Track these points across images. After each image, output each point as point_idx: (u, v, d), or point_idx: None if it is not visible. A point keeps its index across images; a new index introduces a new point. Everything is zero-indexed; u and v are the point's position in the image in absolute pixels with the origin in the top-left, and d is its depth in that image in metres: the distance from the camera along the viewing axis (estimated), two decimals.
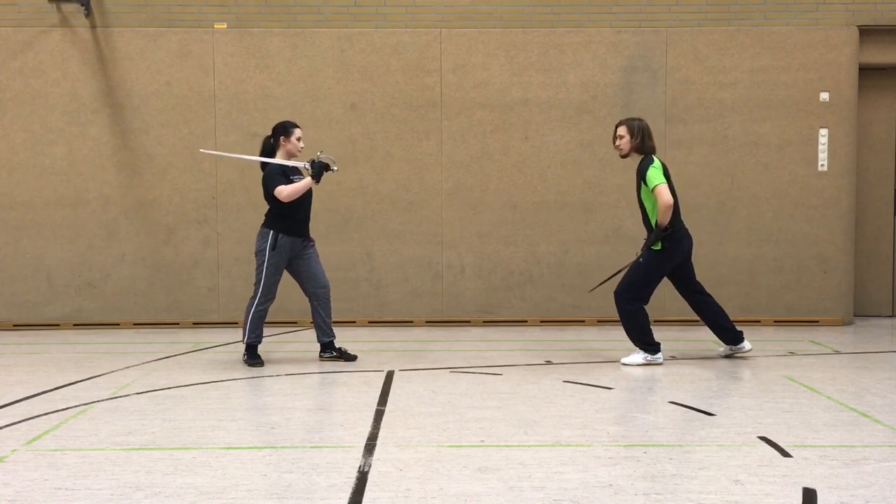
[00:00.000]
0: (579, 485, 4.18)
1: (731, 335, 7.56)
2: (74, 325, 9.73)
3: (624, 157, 7.37)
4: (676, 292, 9.24)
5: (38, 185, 9.68)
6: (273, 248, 7.24)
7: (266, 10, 9.71)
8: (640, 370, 7.13)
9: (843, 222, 9.78)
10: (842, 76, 9.69)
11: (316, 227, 9.73)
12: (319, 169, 7.19)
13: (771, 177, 9.75)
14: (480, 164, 9.76)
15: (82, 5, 9.49)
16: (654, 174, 7.06)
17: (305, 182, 7.23)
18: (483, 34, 9.71)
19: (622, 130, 7.29)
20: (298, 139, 7.34)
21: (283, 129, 7.33)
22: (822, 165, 9.73)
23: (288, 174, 7.28)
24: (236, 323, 9.72)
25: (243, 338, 7.38)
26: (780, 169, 9.74)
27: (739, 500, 3.97)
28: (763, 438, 4.97)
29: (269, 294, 7.34)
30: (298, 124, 7.50)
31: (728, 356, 7.64)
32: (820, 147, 9.72)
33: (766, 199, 9.76)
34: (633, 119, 7.37)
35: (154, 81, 9.67)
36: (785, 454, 4.67)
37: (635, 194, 7.36)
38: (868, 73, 9.90)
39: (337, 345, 7.64)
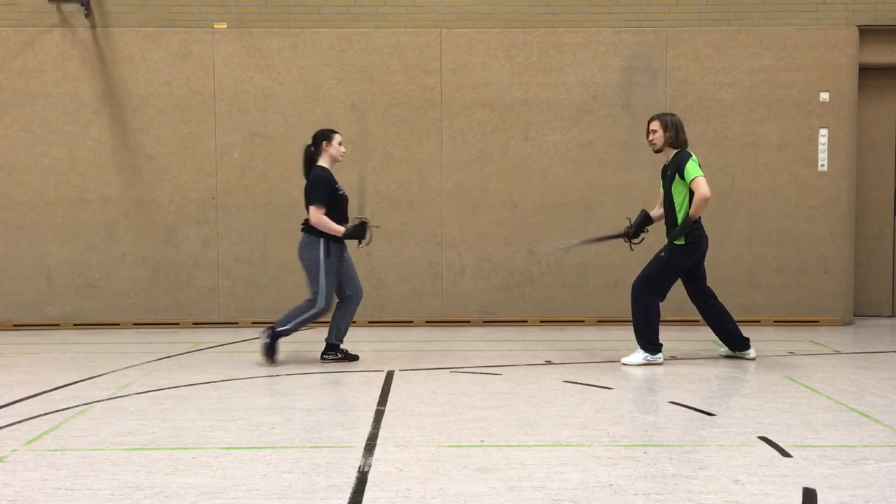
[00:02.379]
0: (579, 485, 4.18)
1: (736, 340, 7.53)
2: (74, 325, 9.73)
3: (657, 151, 7.39)
4: (674, 293, 9.22)
5: (38, 185, 9.68)
6: (328, 255, 7.27)
7: (266, 10, 9.71)
8: (640, 370, 7.12)
9: (843, 222, 9.78)
10: (842, 76, 9.69)
11: None
12: (359, 231, 7.27)
13: (771, 177, 9.75)
14: (480, 164, 9.76)
15: (82, 5, 9.49)
16: (694, 167, 7.11)
17: (337, 228, 7.22)
18: (483, 34, 9.71)
19: (655, 125, 7.32)
20: (340, 143, 7.40)
21: (325, 136, 7.36)
22: (822, 165, 9.73)
23: (334, 184, 7.33)
24: (236, 323, 9.73)
25: (280, 325, 7.36)
26: (780, 169, 9.74)
27: (739, 500, 3.97)
28: (763, 438, 4.97)
29: (329, 303, 7.35)
30: (337, 130, 7.54)
31: (729, 357, 7.63)
32: (820, 147, 9.72)
33: (766, 199, 9.76)
34: (666, 114, 7.41)
35: (154, 81, 9.67)
36: (785, 454, 4.67)
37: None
38: (868, 73, 9.90)
39: (342, 346, 7.63)
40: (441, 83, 9.72)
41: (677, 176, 7.17)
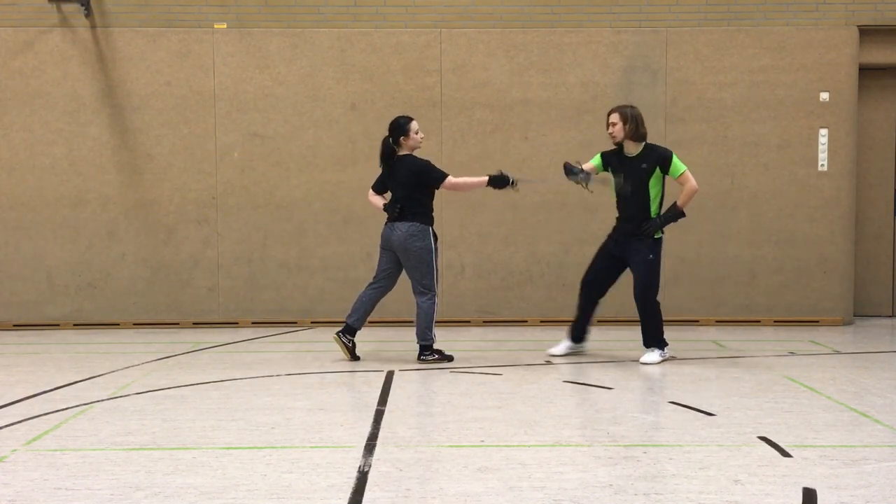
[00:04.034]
0: (579, 485, 4.18)
1: (582, 333, 7.64)
2: (74, 325, 9.73)
3: (617, 144, 7.40)
4: (674, 293, 9.25)
5: (38, 185, 9.68)
6: (436, 241, 7.37)
7: (266, 10, 9.71)
8: (640, 370, 7.12)
9: (843, 222, 9.78)
10: (842, 76, 9.68)
11: (316, 228, 9.79)
12: (501, 181, 7.31)
13: (771, 177, 9.75)
14: (480, 164, 9.73)
15: (82, 5, 9.49)
16: (680, 162, 7.26)
17: (481, 181, 7.36)
18: (483, 34, 9.71)
19: (615, 118, 7.36)
20: (417, 132, 7.41)
21: (403, 130, 7.35)
22: (822, 165, 9.73)
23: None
24: (236, 323, 9.73)
25: (423, 340, 7.37)
26: (780, 169, 9.74)
27: (739, 500, 3.97)
28: (763, 438, 4.97)
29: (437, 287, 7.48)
30: (412, 117, 7.55)
31: (567, 354, 7.65)
32: (820, 147, 9.72)
33: (766, 199, 9.75)
34: (626, 106, 7.43)
35: (154, 81, 9.67)
36: (785, 454, 4.67)
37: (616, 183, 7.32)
38: (868, 73, 9.89)
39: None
40: (441, 83, 9.72)
41: (658, 170, 7.22)
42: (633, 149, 7.32)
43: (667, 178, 7.30)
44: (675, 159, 7.25)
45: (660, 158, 7.24)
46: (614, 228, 7.49)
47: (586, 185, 7.32)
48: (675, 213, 7.28)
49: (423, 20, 9.73)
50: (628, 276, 7.44)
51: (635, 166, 7.29)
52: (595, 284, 7.54)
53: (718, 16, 9.73)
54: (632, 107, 7.42)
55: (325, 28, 9.72)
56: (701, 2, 9.73)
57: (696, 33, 9.70)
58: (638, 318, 7.45)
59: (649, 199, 7.26)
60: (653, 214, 7.26)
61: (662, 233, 7.33)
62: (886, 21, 9.71)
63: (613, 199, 7.50)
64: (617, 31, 9.70)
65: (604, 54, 9.69)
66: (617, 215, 7.47)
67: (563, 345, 7.66)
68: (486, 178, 7.34)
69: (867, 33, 9.73)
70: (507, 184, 7.32)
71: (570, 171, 7.31)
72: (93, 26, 9.64)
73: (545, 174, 9.76)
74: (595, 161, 7.50)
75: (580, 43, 9.70)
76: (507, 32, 9.71)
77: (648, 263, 7.26)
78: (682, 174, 7.23)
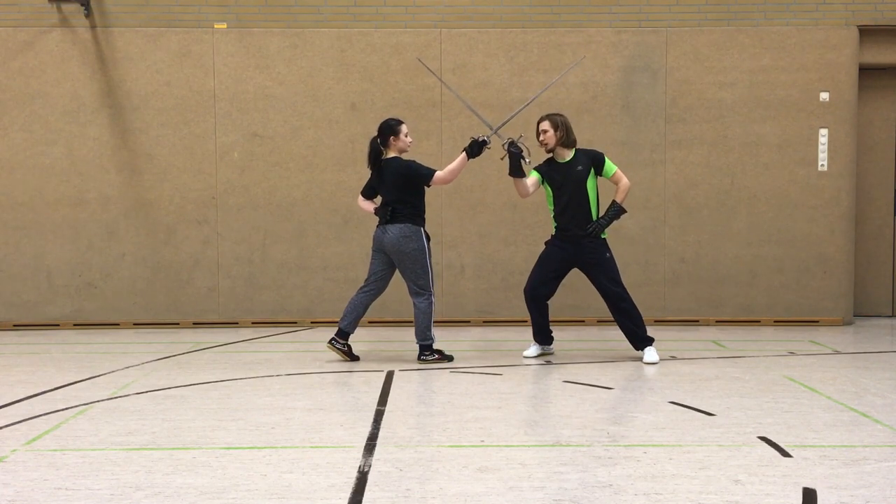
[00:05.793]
0: (579, 485, 4.18)
1: (546, 336, 7.72)
2: (74, 325, 9.73)
3: (549, 151, 7.47)
4: (674, 293, 9.26)
5: (38, 185, 9.68)
6: (428, 242, 7.36)
7: (266, 10, 9.71)
8: (640, 370, 7.12)
9: (843, 222, 9.78)
10: (842, 76, 9.68)
11: (316, 227, 9.79)
12: (477, 147, 7.28)
13: (771, 177, 9.74)
14: (480, 164, 9.72)
15: (82, 5, 9.49)
16: (611, 162, 7.49)
17: (461, 160, 7.32)
18: (483, 34, 9.71)
19: (545, 125, 7.43)
20: (406, 135, 7.41)
21: (393, 131, 7.35)
22: (822, 165, 9.73)
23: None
24: (236, 323, 9.73)
25: (423, 340, 7.40)
26: (780, 169, 9.74)
27: (739, 500, 3.97)
28: (763, 438, 4.97)
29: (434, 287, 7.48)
30: (402, 120, 7.54)
31: (539, 355, 7.71)
32: (820, 147, 9.72)
33: (766, 199, 9.75)
34: (555, 114, 7.52)
35: (154, 81, 9.67)
36: (785, 454, 4.67)
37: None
38: (868, 73, 9.89)
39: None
40: (441, 83, 9.71)
41: (593, 172, 7.39)
42: (565, 154, 7.45)
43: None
44: (608, 161, 7.46)
45: (594, 159, 7.43)
46: (554, 237, 7.55)
47: (523, 158, 7.36)
48: (618, 210, 7.45)
49: (423, 20, 9.73)
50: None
51: (572, 170, 7.40)
52: (548, 291, 7.61)
53: (718, 16, 9.73)
54: (560, 115, 7.53)
55: (325, 28, 9.72)
56: (701, 2, 9.73)
57: (696, 33, 9.70)
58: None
59: (590, 201, 7.39)
60: (594, 215, 7.39)
61: (606, 233, 7.46)
62: (886, 21, 9.71)
63: (550, 207, 7.54)
64: (617, 31, 9.70)
65: (604, 54, 9.69)
66: (556, 224, 7.51)
67: (534, 348, 7.75)
68: (464, 154, 7.31)
69: (867, 33, 9.73)
70: (483, 146, 7.32)
71: (517, 154, 7.34)
72: (93, 26, 9.64)
73: None
74: (534, 175, 7.53)
75: (580, 43, 9.69)
76: (507, 32, 9.71)
77: (610, 261, 7.43)
78: (615, 173, 7.45)
